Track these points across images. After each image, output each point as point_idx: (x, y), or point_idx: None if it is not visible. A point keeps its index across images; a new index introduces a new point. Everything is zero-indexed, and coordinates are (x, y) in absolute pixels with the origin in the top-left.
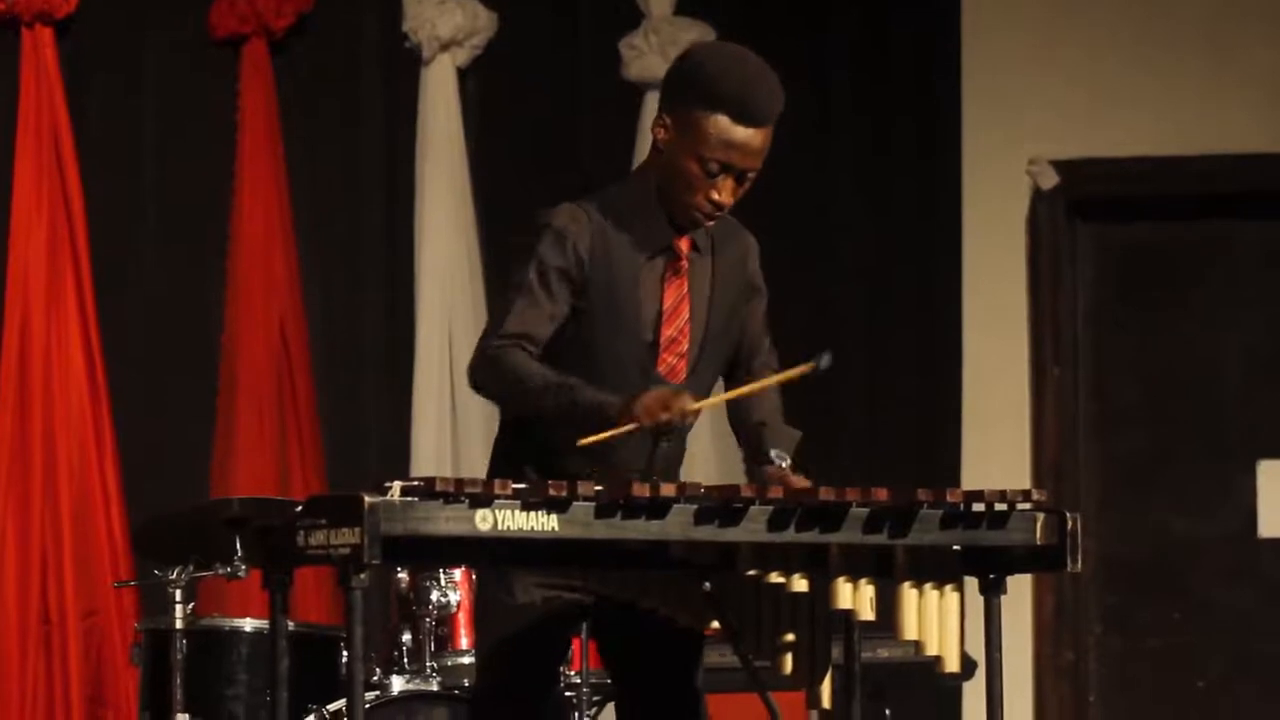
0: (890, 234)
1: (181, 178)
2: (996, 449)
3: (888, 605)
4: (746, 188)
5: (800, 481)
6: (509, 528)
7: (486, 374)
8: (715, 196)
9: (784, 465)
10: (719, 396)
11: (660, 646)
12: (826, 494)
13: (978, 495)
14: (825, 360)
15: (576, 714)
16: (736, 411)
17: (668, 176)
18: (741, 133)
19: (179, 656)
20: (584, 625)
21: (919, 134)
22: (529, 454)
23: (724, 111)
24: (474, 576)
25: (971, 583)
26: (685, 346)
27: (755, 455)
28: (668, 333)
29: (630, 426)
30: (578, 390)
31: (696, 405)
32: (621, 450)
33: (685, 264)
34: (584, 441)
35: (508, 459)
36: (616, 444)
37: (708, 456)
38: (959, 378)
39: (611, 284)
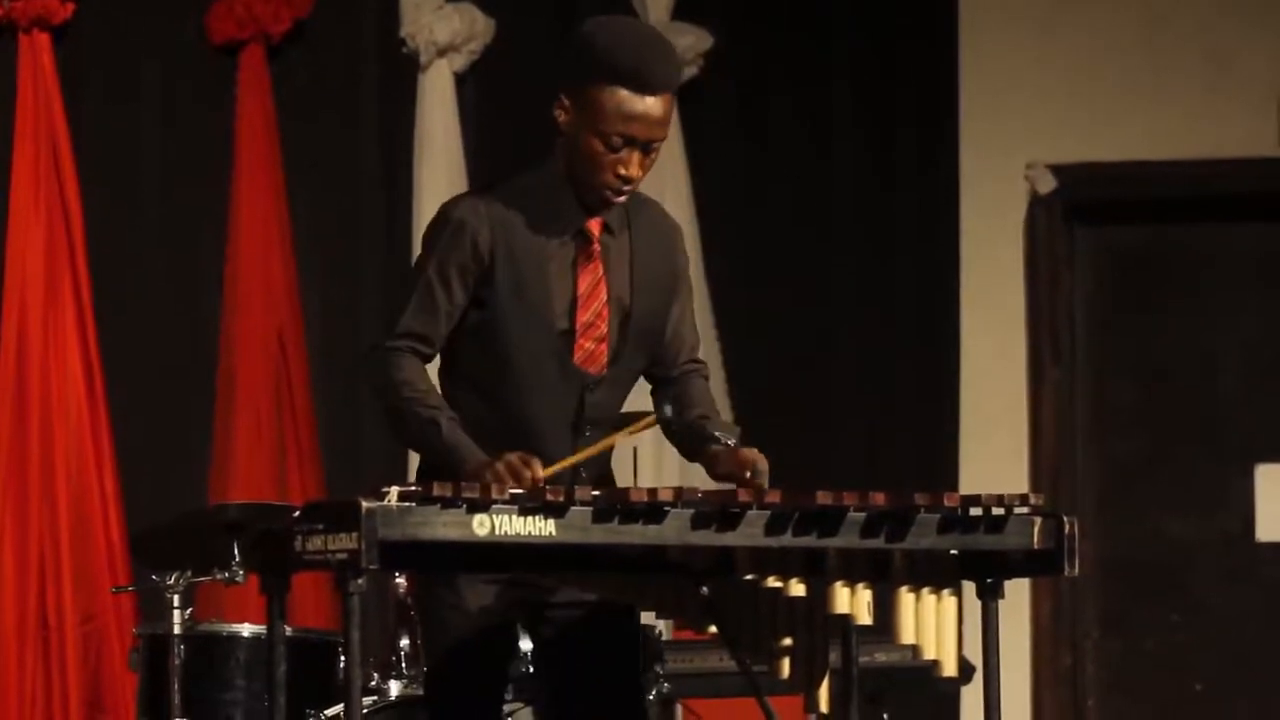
0: (889, 238)
1: (179, 184)
2: (995, 451)
3: (885, 609)
4: (654, 158)
5: (752, 454)
6: (506, 533)
7: (374, 376)
8: (622, 171)
9: (730, 444)
10: (569, 460)
11: (600, 639)
12: (824, 498)
13: (975, 500)
14: (667, 410)
15: None
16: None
17: (573, 158)
18: (640, 103)
19: (177, 661)
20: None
21: (918, 139)
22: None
23: (620, 84)
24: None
25: (969, 587)
26: (604, 330)
27: (699, 443)
28: (584, 318)
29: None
30: (443, 433)
31: (548, 472)
32: (547, 440)
33: (598, 247)
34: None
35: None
36: (538, 436)
37: (672, 466)
38: (957, 381)
39: (516, 273)
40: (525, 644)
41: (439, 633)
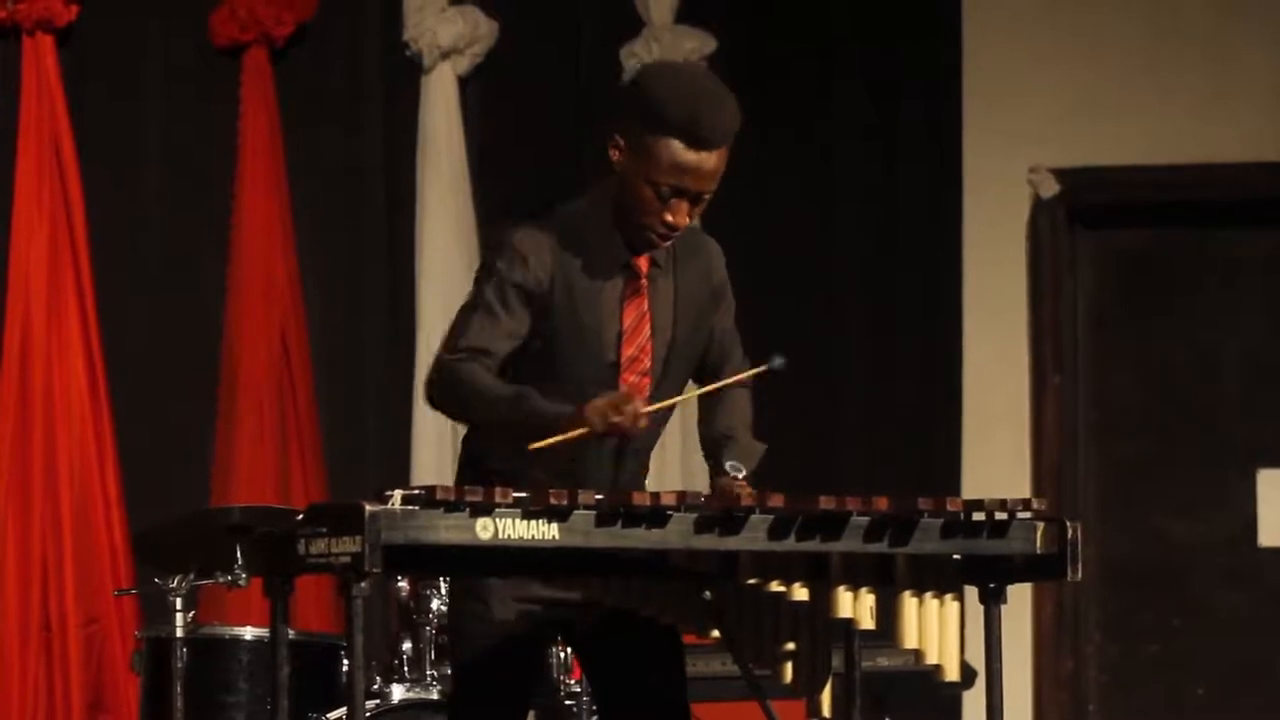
0: (892, 241)
1: (182, 185)
2: (997, 455)
3: (888, 614)
4: (702, 208)
5: (746, 493)
6: (510, 536)
7: (442, 388)
8: (669, 219)
9: (738, 478)
10: (670, 400)
11: (643, 658)
12: (827, 503)
13: (978, 504)
14: (778, 362)
15: None
16: (704, 424)
17: (622, 197)
18: (693, 157)
19: (180, 664)
20: (561, 638)
21: (920, 142)
22: (494, 460)
23: (674, 136)
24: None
25: (971, 591)
26: (647, 364)
27: (715, 467)
28: (628, 352)
29: (581, 431)
30: (531, 400)
31: (648, 408)
32: (587, 466)
33: (645, 283)
34: (534, 446)
35: (473, 465)
36: (579, 460)
37: (674, 470)
38: (960, 385)
39: (573, 304)
40: None
41: (463, 644)
